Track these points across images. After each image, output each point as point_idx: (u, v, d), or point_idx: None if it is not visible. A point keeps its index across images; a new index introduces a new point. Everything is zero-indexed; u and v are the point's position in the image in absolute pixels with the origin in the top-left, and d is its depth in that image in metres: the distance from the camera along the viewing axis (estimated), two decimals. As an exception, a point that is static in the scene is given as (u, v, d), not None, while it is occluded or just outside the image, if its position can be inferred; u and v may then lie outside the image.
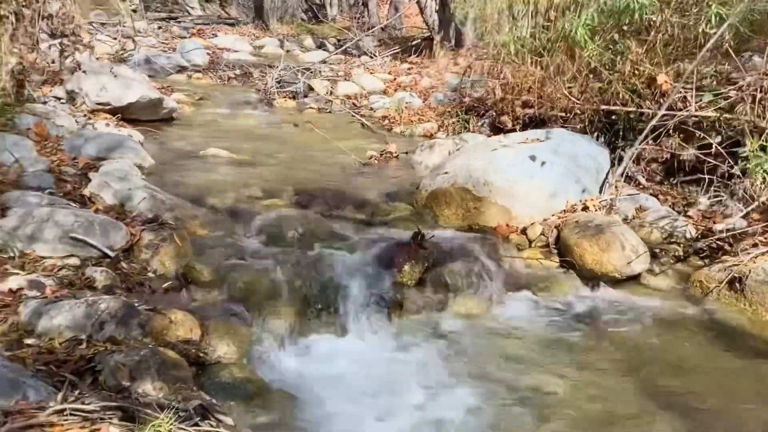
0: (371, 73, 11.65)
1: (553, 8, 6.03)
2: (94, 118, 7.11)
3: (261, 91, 9.92)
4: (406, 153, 6.89)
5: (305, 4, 21.80)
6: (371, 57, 13.34)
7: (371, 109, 9.57)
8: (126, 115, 7.40)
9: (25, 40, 6.22)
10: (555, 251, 4.72)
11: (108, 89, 7.25)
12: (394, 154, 6.70)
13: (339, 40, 16.78)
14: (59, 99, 7.19)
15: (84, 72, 6.89)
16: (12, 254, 3.64)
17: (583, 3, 5.83)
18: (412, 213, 5.07)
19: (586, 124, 5.86)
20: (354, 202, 5.16)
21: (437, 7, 13.16)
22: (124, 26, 13.44)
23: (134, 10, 18.94)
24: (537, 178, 4.98)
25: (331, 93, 10.14)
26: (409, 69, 11.84)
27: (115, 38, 12.12)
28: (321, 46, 15.37)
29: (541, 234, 4.84)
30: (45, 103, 6.35)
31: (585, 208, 5.00)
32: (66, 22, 6.40)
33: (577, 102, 5.77)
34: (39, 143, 5.34)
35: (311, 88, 10.30)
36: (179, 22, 18.22)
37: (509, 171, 4.96)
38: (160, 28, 14.98)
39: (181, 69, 10.84)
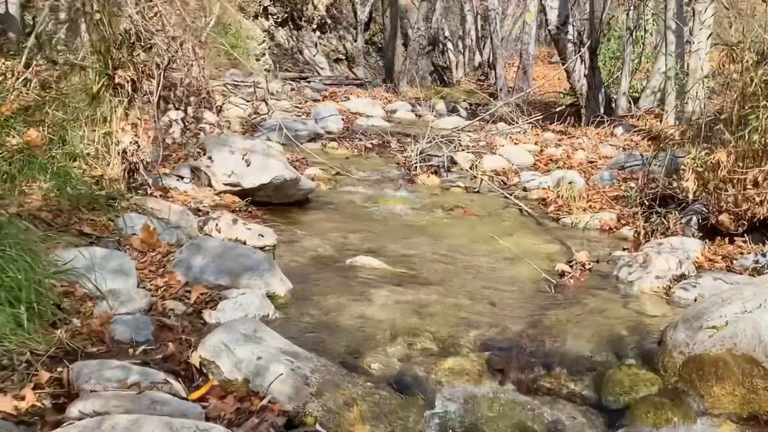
0: (515, 143, 9.81)
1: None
2: (220, 202, 5.58)
3: (402, 165, 8.23)
4: (597, 261, 4.98)
5: (431, 66, 20.33)
6: (509, 123, 11.51)
7: (525, 189, 7.71)
8: (257, 197, 5.85)
9: (145, 114, 4.71)
10: None
11: (237, 170, 5.71)
12: (587, 266, 4.79)
13: (471, 104, 15.09)
14: (182, 178, 5.71)
15: (210, 159, 5.36)
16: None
17: None
18: (661, 389, 3.12)
19: None
20: (566, 362, 3.28)
21: (586, 71, 11.21)
22: (258, 86, 12.16)
23: (267, 70, 17.93)
24: None
25: (476, 167, 8.34)
26: (559, 140, 9.91)
27: (248, 101, 10.79)
28: (453, 110, 13.69)
29: None
30: (165, 192, 4.82)
31: None
32: (191, 94, 4.88)
33: None
34: (144, 255, 3.74)
35: (454, 162, 8.55)
36: (309, 81, 17.02)
37: (822, 336, 2.98)
38: (293, 89, 13.67)
39: (316, 137, 9.31)
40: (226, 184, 5.76)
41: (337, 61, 23.19)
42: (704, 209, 5.53)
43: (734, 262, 4.83)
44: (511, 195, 7.27)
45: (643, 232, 5.74)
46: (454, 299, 3.95)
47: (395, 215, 6.26)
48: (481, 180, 7.68)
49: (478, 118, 11.10)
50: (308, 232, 5.21)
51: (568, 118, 11.32)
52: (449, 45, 20.49)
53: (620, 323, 3.71)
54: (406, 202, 6.80)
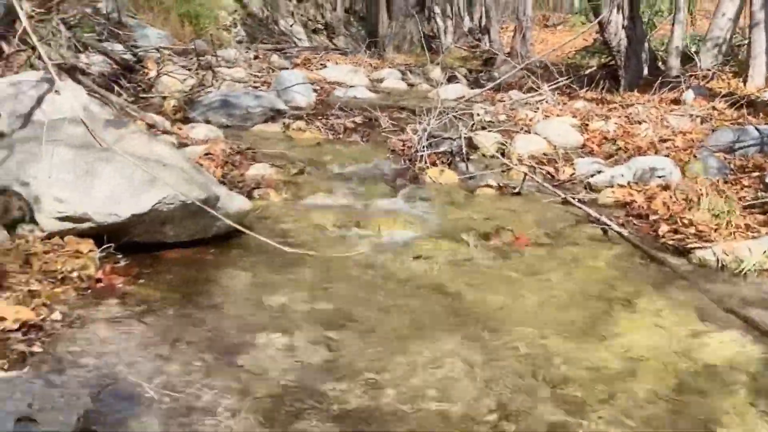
0: (546, 116, 6.68)
1: None
2: (52, 259, 2.49)
3: (400, 153, 5.10)
4: None
5: (419, 31, 17.01)
6: (525, 92, 8.34)
7: (589, 187, 4.63)
8: (131, 235, 2.76)
9: None
10: None
11: (80, 190, 2.60)
12: None
13: (470, 71, 11.89)
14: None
15: None
16: None
17: None
18: None
19: None
20: None
21: (625, 22, 7.97)
22: (207, 52, 8.85)
23: (239, 41, 14.64)
24: None
25: (509, 154, 5.23)
26: (608, 110, 6.78)
27: (190, 69, 7.57)
28: (452, 78, 10.47)
29: None
30: None
31: None
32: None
33: None
34: None
35: (473, 146, 5.43)
36: (285, 53, 13.66)
37: None
38: (256, 57, 10.37)
39: (276, 114, 6.13)
40: (61, 219, 2.63)
41: (316, 31, 19.76)
42: None
43: None
44: (573, 199, 4.18)
45: None
46: None
47: (397, 261, 3.15)
48: (525, 176, 4.56)
49: (491, 84, 7.90)
50: (206, 348, 2.09)
51: (602, 81, 8.19)
52: (436, 9, 17.12)
53: None
54: (413, 224, 3.69)
